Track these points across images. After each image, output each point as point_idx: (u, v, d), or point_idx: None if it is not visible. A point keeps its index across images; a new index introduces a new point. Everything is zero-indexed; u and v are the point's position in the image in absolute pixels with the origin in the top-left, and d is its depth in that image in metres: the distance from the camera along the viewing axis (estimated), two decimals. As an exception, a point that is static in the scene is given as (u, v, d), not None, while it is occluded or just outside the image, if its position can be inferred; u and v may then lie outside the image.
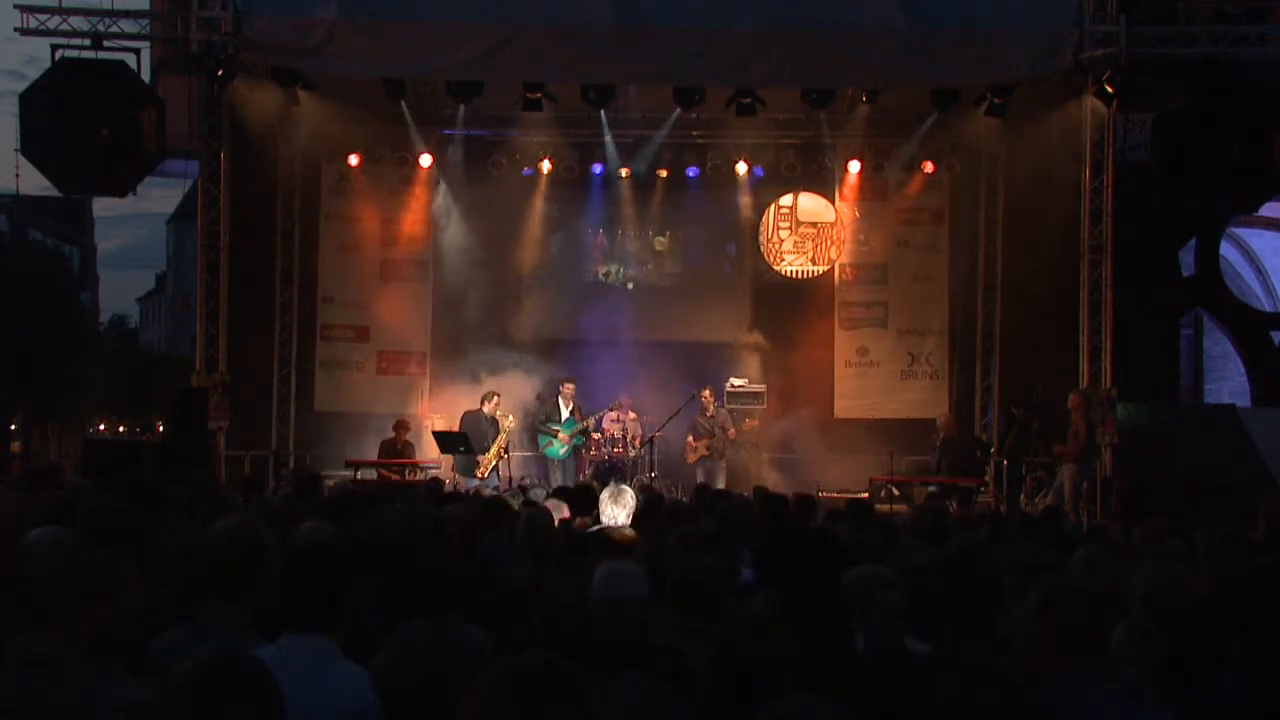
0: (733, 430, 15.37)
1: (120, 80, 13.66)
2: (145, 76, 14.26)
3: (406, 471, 14.58)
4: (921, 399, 16.68)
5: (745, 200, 16.98)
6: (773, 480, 13.94)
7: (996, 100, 14.27)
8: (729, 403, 15.81)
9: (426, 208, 16.65)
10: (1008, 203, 16.00)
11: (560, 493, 8.48)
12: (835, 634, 3.74)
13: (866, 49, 13.68)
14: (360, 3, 13.56)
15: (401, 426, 15.14)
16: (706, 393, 15.38)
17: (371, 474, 14.30)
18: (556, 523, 6.52)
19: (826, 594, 3.98)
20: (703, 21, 13.48)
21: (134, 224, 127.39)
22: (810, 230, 17.10)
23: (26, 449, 32.70)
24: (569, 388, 15.41)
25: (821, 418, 16.25)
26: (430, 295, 16.83)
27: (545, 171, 16.47)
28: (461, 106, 15.06)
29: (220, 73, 13.63)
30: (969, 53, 13.69)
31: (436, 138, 16.22)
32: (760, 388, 16.15)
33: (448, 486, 11.95)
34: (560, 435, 15.27)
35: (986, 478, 15.41)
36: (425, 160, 16.18)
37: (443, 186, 16.58)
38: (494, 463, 14.55)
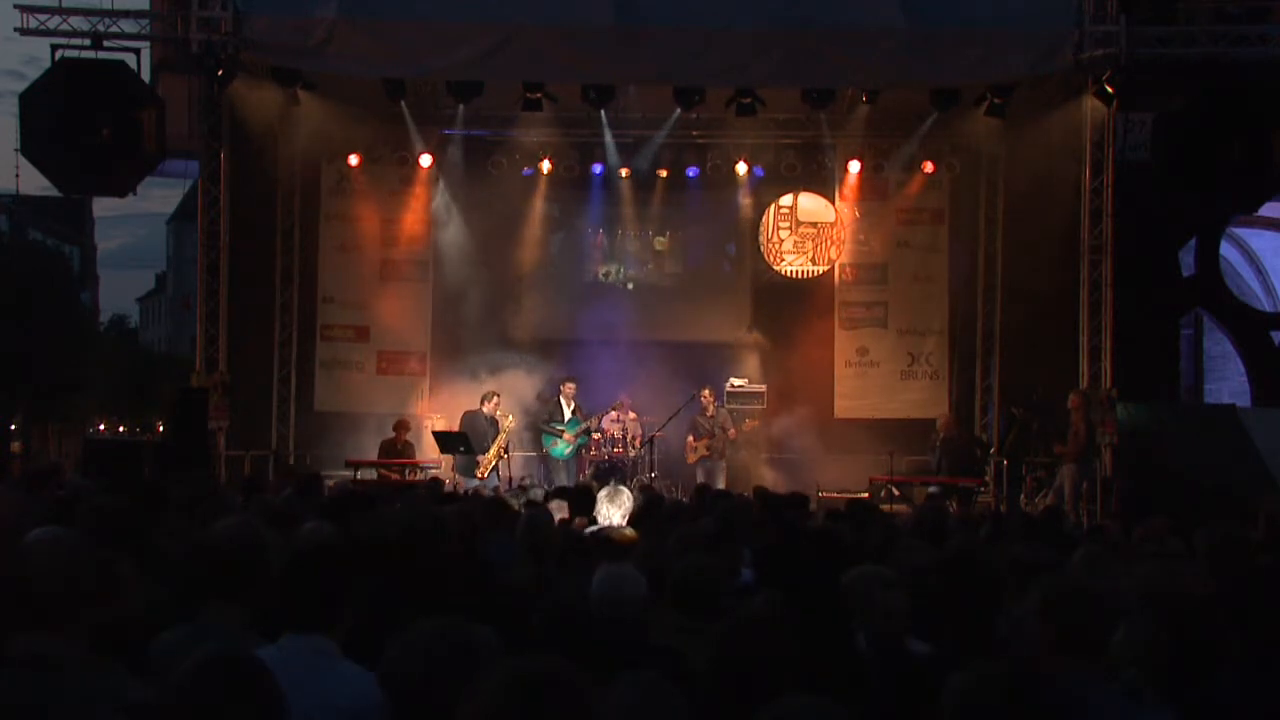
0: (733, 430, 15.36)
1: (120, 80, 13.66)
2: (145, 76, 14.26)
3: (406, 471, 14.56)
4: (921, 399, 16.67)
5: (745, 200, 16.97)
6: (772, 480, 13.90)
7: (996, 100, 14.26)
8: (729, 403, 15.80)
9: (426, 207, 16.63)
10: (1008, 203, 16.00)
11: (559, 493, 8.49)
12: (835, 634, 3.74)
13: (866, 49, 13.67)
14: (360, 3, 13.56)
15: (401, 426, 15.12)
16: (706, 393, 15.36)
17: (371, 474, 14.29)
18: (556, 523, 6.52)
19: (827, 594, 3.99)
20: (703, 21, 13.47)
21: (134, 224, 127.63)
22: (810, 230, 17.09)
23: (26, 449, 32.69)
24: (570, 387, 15.39)
25: (821, 418, 16.21)
26: (430, 295, 16.81)
27: (545, 171, 16.44)
28: (461, 106, 15.03)
29: (220, 73, 13.63)
30: (969, 53, 13.68)
31: (436, 138, 16.21)
32: (760, 388, 16.14)
33: (448, 486, 11.94)
34: (565, 435, 15.27)
35: (986, 478, 15.40)
36: (425, 160, 16.17)
37: (443, 186, 16.56)
38: (494, 463, 14.54)
